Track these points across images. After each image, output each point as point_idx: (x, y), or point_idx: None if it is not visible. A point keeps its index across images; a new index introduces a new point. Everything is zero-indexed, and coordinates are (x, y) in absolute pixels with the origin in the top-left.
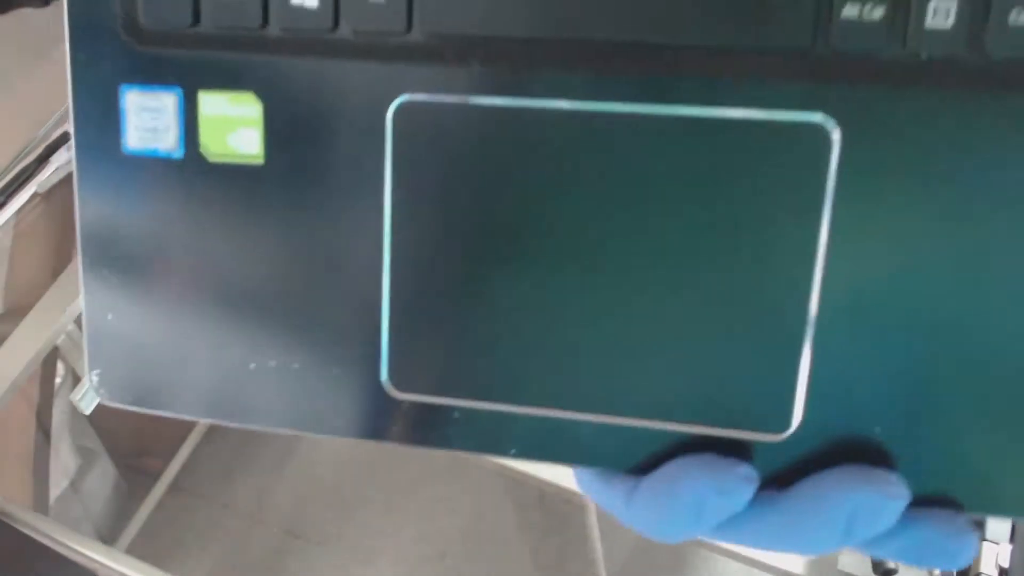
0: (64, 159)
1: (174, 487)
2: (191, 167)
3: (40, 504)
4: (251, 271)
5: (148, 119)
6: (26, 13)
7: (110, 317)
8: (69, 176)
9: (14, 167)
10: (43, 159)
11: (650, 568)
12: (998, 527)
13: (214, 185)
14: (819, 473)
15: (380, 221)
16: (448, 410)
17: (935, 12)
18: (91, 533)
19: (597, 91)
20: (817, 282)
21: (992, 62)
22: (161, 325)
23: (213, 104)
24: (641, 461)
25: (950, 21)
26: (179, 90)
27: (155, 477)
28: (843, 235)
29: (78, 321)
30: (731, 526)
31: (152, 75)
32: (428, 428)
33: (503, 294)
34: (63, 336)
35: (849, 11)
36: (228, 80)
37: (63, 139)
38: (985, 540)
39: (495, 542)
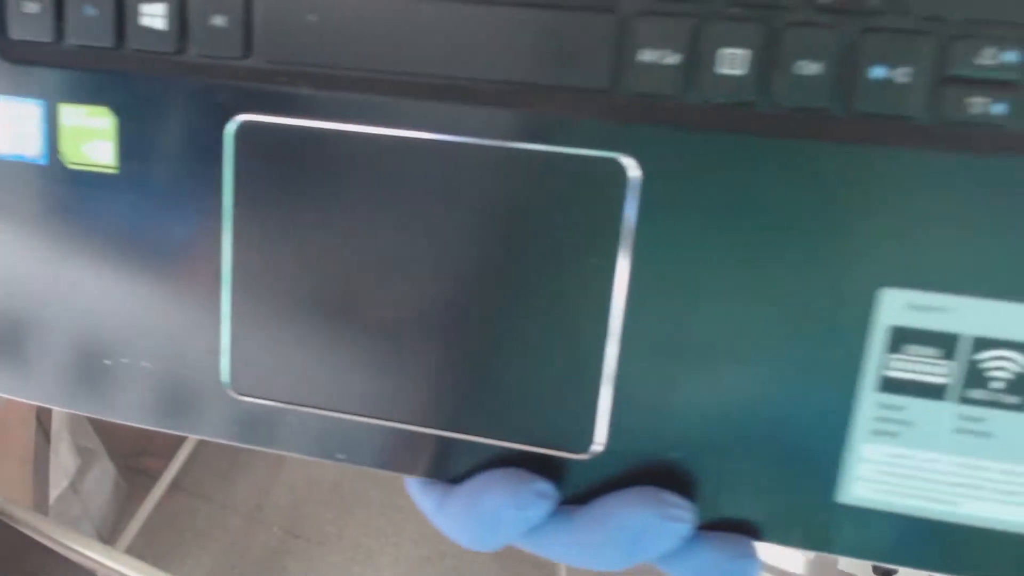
0: None
1: (174, 487)
2: (53, 173)
3: (40, 504)
4: (105, 272)
5: (15, 127)
6: None
7: None
8: None
9: None
10: None
11: (650, 568)
12: None
13: (73, 190)
14: (613, 493)
15: (219, 232)
16: (282, 414)
17: (728, 60)
18: (91, 533)
19: (410, 120)
20: (617, 312)
21: (780, 108)
22: (32, 314)
23: (71, 116)
24: (457, 472)
25: (741, 70)
26: (43, 102)
27: (155, 477)
28: (641, 268)
29: None
30: (534, 538)
31: (19, 87)
32: (264, 430)
33: (334, 308)
34: None
35: (647, 56)
36: (85, 94)
37: None
38: None
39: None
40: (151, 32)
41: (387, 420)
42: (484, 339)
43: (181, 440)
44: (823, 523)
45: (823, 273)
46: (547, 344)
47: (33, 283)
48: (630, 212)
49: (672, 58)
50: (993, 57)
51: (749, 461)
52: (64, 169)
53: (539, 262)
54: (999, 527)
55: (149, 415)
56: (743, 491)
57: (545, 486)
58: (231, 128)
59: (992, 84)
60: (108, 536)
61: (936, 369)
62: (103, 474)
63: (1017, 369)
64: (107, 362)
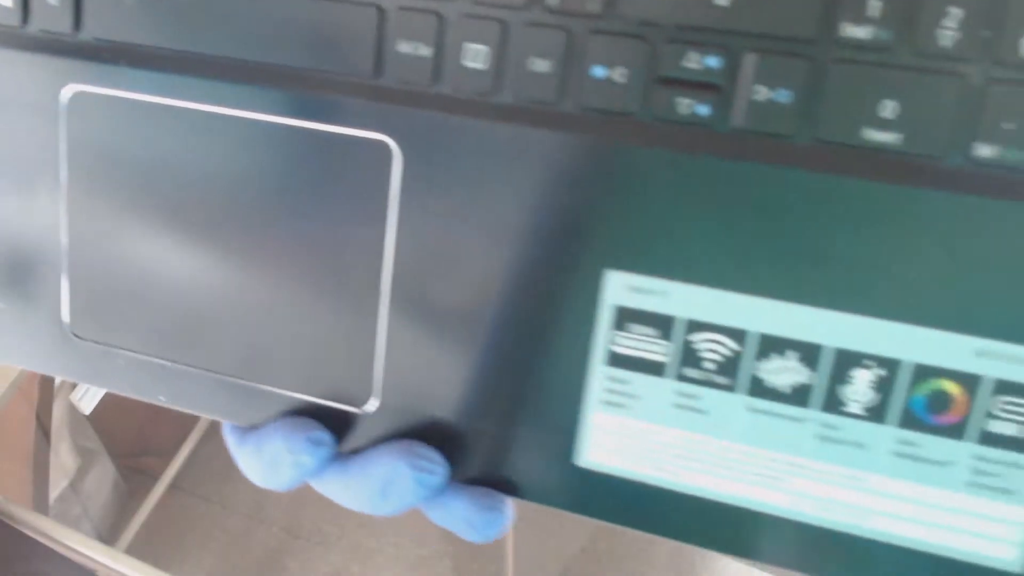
0: None
1: (174, 487)
2: None
3: (40, 504)
4: None
5: None
6: None
7: None
8: None
9: None
10: None
11: (650, 568)
12: None
13: None
14: (377, 445)
15: (57, 189)
16: (114, 355)
17: (472, 55)
18: (91, 533)
19: (208, 97)
20: (387, 278)
21: (515, 101)
22: None
23: None
24: (258, 418)
25: (483, 64)
26: None
27: (155, 477)
28: (404, 239)
29: None
30: (318, 481)
31: None
32: (96, 369)
33: (156, 261)
34: None
35: (403, 47)
36: None
37: None
38: None
39: (495, 542)
40: None
41: (200, 368)
42: (276, 299)
43: (181, 440)
44: (564, 484)
45: (555, 253)
46: (328, 305)
47: None
48: (394, 187)
49: (424, 50)
50: (697, 61)
51: (500, 424)
52: None
53: (320, 228)
54: (715, 498)
55: None
56: (497, 451)
57: (320, 435)
58: (64, 97)
59: (697, 86)
60: (108, 536)
61: (656, 347)
62: (103, 474)
63: (727, 352)
64: None
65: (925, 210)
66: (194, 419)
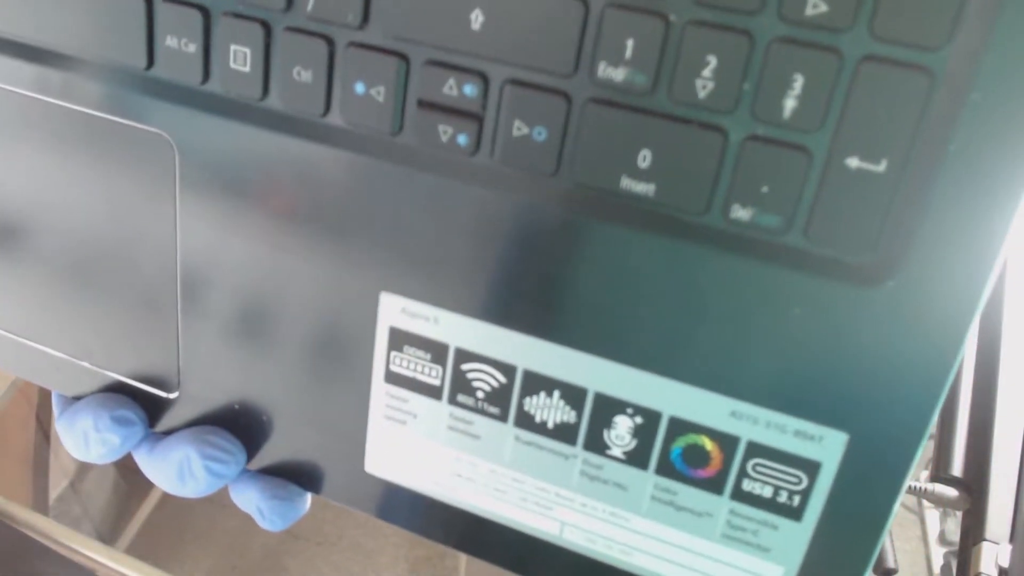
0: None
1: None
2: None
3: (40, 504)
4: None
5: None
6: None
7: None
8: None
9: None
10: None
11: None
12: (998, 527)
13: None
14: (180, 430)
15: None
16: None
17: (238, 57)
18: (91, 533)
19: (9, 76)
20: (178, 268)
21: (282, 109)
22: None
23: None
24: (79, 390)
25: (247, 67)
26: None
27: None
28: (188, 232)
29: None
30: (136, 459)
31: None
32: None
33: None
34: None
35: (170, 42)
36: None
37: None
38: (985, 540)
39: None
40: None
41: (34, 343)
42: (90, 282)
43: None
44: (353, 486)
45: (333, 268)
46: (132, 291)
47: None
48: (176, 180)
49: (191, 47)
50: (455, 87)
51: (294, 423)
52: None
53: (115, 217)
54: (489, 517)
55: None
56: (293, 447)
57: (128, 414)
58: None
59: (456, 113)
60: (108, 536)
61: (430, 371)
62: (103, 474)
63: (495, 384)
64: None
65: (683, 265)
66: None
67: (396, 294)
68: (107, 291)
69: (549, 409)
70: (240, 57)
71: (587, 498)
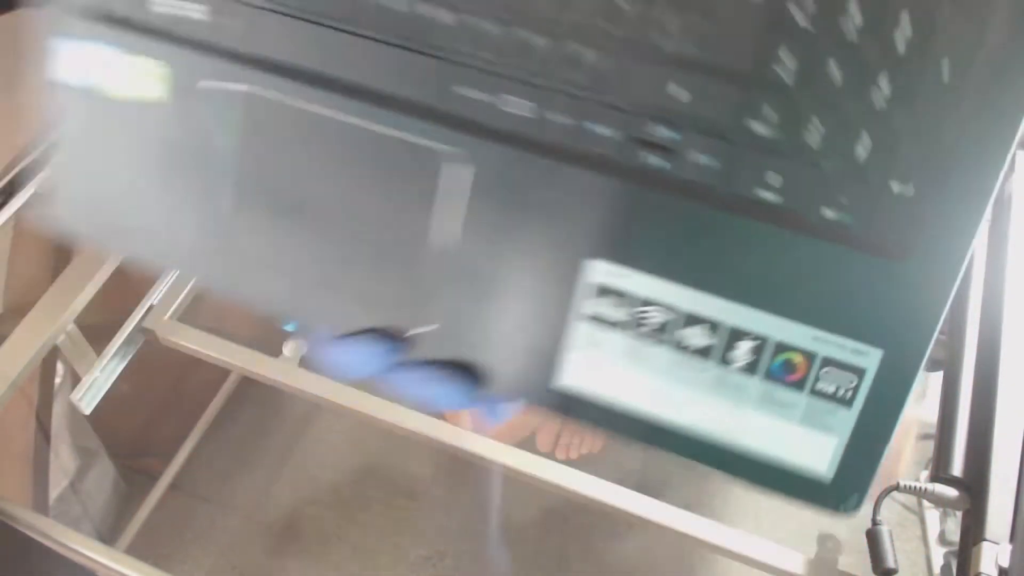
0: None
1: (174, 487)
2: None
3: (40, 504)
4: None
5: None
6: (26, 13)
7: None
8: None
9: (15, 167)
10: (44, 159)
11: (650, 568)
12: (998, 527)
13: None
14: (420, 361)
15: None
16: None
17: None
18: (91, 533)
19: (329, 103)
20: (454, 252)
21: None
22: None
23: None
24: (340, 331)
25: (527, 112)
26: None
27: (155, 477)
28: (471, 223)
29: (78, 321)
30: (390, 377)
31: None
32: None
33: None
34: (63, 336)
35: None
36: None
37: None
38: (985, 540)
39: (496, 543)
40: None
41: (316, 292)
42: (361, 257)
43: (181, 440)
44: (548, 396)
45: (569, 249)
46: (399, 264)
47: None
48: (470, 190)
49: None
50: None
51: (497, 340)
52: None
53: (390, 207)
54: (645, 414)
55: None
56: (510, 369)
57: (387, 347)
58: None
59: (664, 150)
60: (108, 536)
61: (618, 312)
62: (103, 474)
63: (661, 320)
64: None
65: (790, 248)
66: (194, 419)
67: (602, 260)
68: (390, 264)
69: (696, 337)
70: (520, 107)
71: (714, 399)
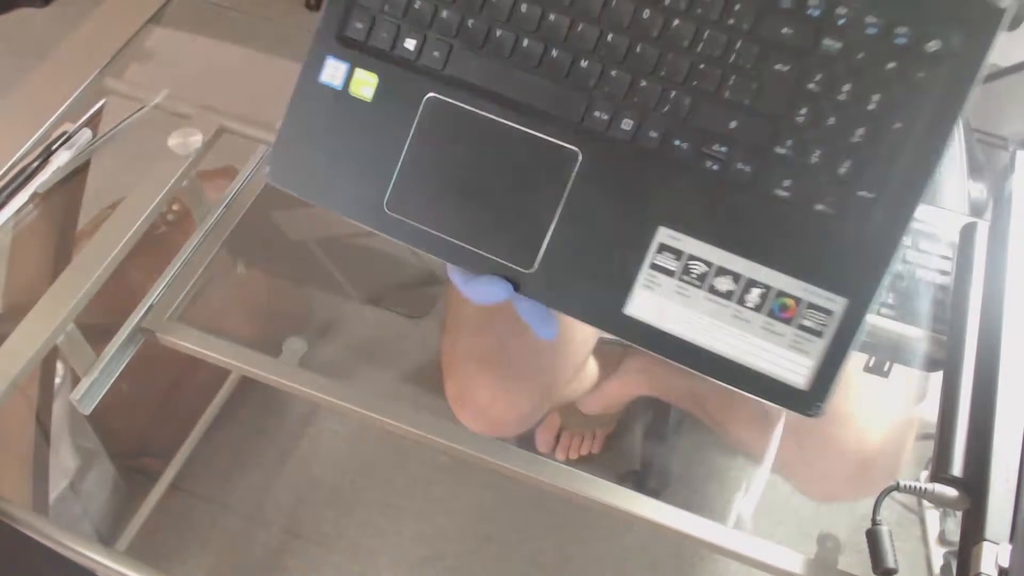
0: (64, 159)
1: (174, 487)
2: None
3: (39, 504)
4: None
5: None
6: (26, 13)
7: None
8: (69, 176)
9: (14, 167)
10: (43, 159)
11: (650, 568)
12: (998, 527)
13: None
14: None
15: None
16: (420, 233)
17: (613, 121)
18: (91, 533)
19: (521, 120)
20: (560, 211)
21: (652, 144)
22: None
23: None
24: (473, 270)
25: (628, 129)
26: (348, 64)
27: (155, 477)
28: (574, 200)
29: (78, 321)
30: (516, 304)
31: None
32: (407, 234)
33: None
34: (63, 336)
35: (598, 119)
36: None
37: (63, 139)
38: (985, 540)
39: (495, 542)
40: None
41: (450, 237)
42: (506, 209)
43: (181, 440)
44: (617, 320)
45: (639, 215)
46: (527, 209)
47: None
48: (574, 174)
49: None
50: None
51: (592, 283)
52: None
53: (528, 175)
54: (684, 337)
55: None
56: (588, 294)
57: (508, 284)
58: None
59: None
60: (108, 536)
61: (672, 263)
62: (103, 474)
63: (701, 270)
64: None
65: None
66: (194, 419)
67: (666, 227)
68: (516, 212)
69: (723, 284)
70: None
71: (731, 327)
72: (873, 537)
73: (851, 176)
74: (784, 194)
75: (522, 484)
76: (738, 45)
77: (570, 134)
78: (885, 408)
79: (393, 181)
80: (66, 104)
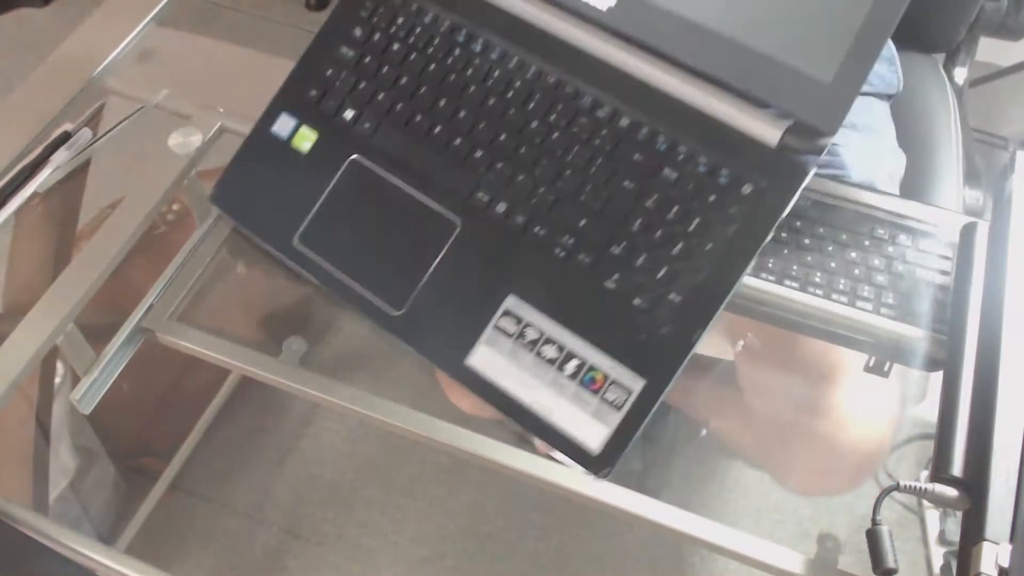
0: (64, 159)
1: (174, 487)
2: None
3: (39, 504)
4: None
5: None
6: (26, 13)
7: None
8: (68, 176)
9: (14, 167)
10: (42, 159)
11: (650, 568)
12: (998, 527)
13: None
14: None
15: None
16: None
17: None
18: (91, 533)
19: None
20: (447, 247)
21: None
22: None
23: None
24: (354, 305)
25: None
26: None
27: (155, 477)
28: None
29: (78, 321)
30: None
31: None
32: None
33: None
34: (63, 336)
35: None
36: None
37: (63, 139)
38: (985, 540)
39: (495, 542)
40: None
41: (346, 277)
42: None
43: (181, 440)
44: (459, 367)
45: (494, 283)
46: (411, 251)
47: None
48: (451, 241)
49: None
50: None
51: (442, 328)
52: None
53: (409, 224)
54: (526, 404)
55: None
56: (433, 336)
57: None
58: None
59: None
60: (108, 536)
61: (512, 327)
62: (103, 474)
63: (534, 336)
64: None
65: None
66: (194, 419)
67: (514, 296)
68: (398, 262)
69: (549, 351)
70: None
71: (548, 389)
72: (873, 537)
73: (666, 281)
74: (611, 286)
75: (522, 484)
76: (598, 161)
77: (456, 207)
78: (869, 404)
79: (307, 221)
80: (66, 104)
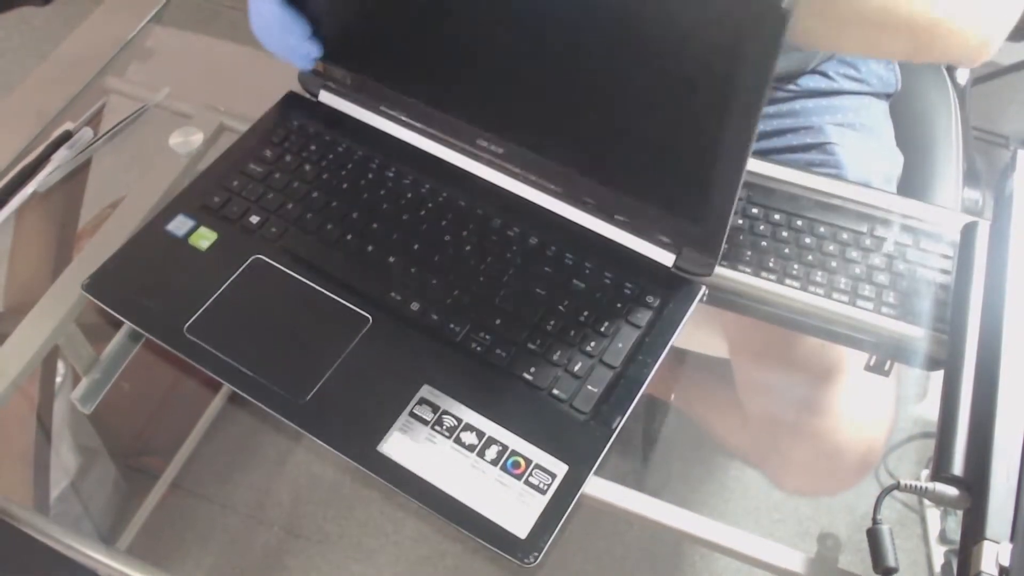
0: (64, 158)
1: (174, 487)
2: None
3: (40, 503)
4: None
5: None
6: (26, 13)
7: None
8: (69, 176)
9: (15, 166)
10: (43, 159)
11: (650, 568)
12: (998, 526)
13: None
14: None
15: None
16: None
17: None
18: (91, 532)
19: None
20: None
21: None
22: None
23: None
24: (249, 393)
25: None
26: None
27: (155, 477)
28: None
29: (78, 321)
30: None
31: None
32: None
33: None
34: (63, 336)
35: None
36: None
37: (63, 139)
38: (985, 539)
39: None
40: None
41: (243, 367)
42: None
43: (181, 440)
44: (370, 455)
45: (408, 372)
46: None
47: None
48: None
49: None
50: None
51: (350, 417)
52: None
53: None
54: (446, 491)
55: None
56: (340, 425)
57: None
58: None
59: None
60: (108, 535)
61: (428, 414)
62: (104, 473)
63: (452, 423)
64: None
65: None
66: (194, 419)
67: (429, 385)
68: (302, 353)
69: (468, 438)
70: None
71: (468, 475)
72: (874, 536)
73: (583, 373)
74: (529, 377)
75: None
76: (510, 271)
77: (367, 305)
78: (863, 404)
79: (199, 313)
80: (67, 103)
